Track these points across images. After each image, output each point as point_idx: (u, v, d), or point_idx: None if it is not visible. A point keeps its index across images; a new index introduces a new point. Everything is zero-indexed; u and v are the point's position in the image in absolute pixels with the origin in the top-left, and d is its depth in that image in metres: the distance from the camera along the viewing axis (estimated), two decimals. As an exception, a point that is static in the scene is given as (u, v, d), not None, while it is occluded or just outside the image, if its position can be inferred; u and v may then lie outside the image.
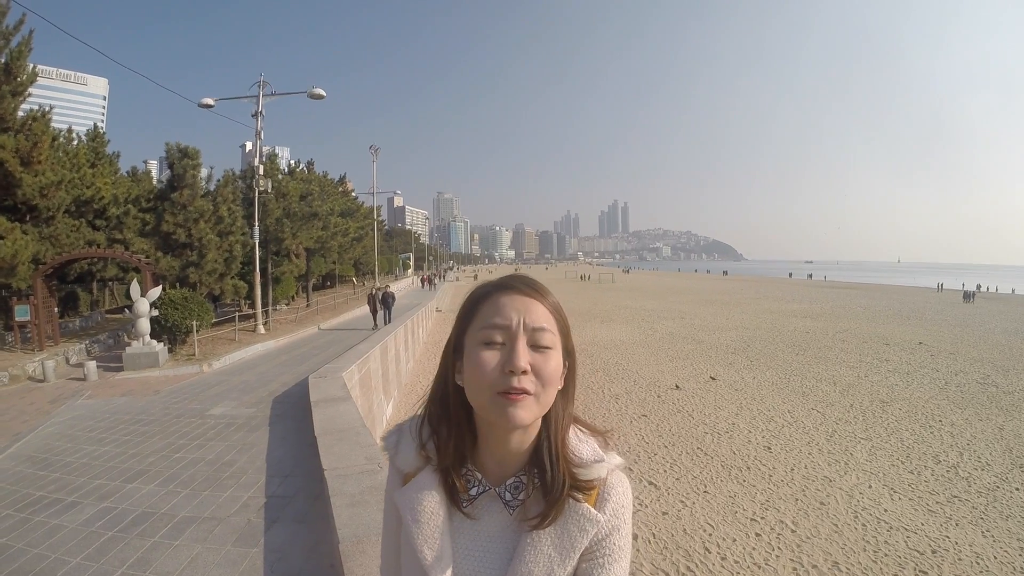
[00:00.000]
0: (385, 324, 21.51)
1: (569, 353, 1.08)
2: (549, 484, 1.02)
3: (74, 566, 4.46)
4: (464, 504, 1.06)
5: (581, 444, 1.09)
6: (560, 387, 1.06)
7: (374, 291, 24.28)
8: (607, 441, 1.13)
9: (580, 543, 1.01)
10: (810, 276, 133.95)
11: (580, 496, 1.03)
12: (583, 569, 1.03)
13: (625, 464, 1.11)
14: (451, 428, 1.07)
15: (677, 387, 18.40)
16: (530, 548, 1.01)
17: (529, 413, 0.97)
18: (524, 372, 0.96)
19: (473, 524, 1.06)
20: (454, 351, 1.08)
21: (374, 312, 23.28)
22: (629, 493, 1.09)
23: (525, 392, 0.96)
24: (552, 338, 1.01)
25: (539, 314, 1.01)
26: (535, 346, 0.99)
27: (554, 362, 1.01)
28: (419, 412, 1.16)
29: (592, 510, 1.02)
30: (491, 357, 0.98)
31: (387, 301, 23.37)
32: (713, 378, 19.72)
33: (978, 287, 68.79)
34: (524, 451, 1.06)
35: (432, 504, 1.05)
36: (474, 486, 1.07)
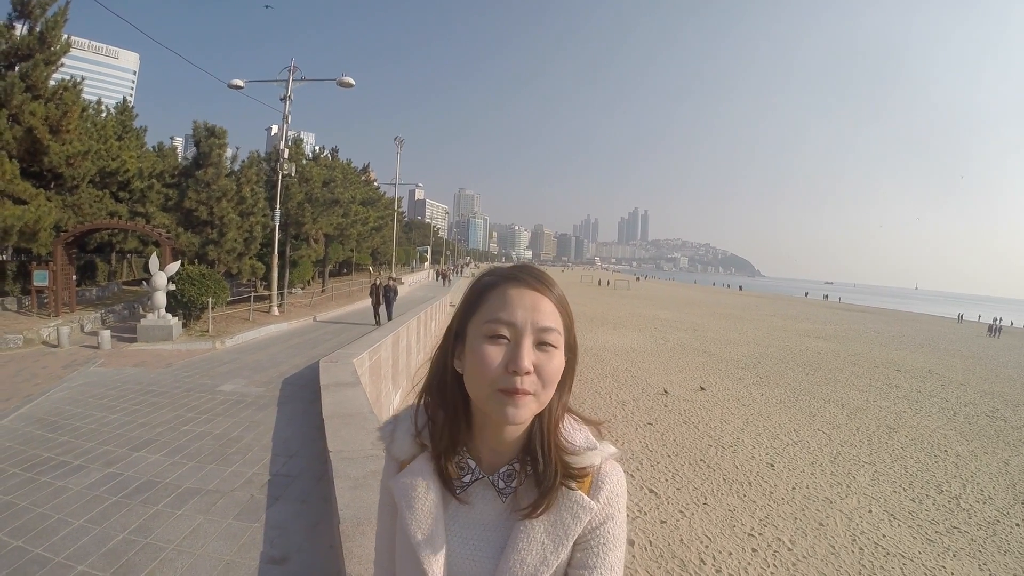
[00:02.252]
0: (387, 320, 19.41)
1: (571, 347, 1.07)
2: (542, 473, 1.03)
3: (77, 527, 4.52)
4: (458, 491, 1.07)
5: (574, 432, 1.09)
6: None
7: (377, 282, 21.62)
8: (600, 431, 1.13)
9: (573, 530, 1.01)
10: (826, 297, 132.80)
11: (573, 484, 1.03)
12: (578, 558, 1.03)
13: (619, 453, 1.10)
14: (447, 414, 1.08)
15: (665, 392, 18.73)
16: (523, 536, 1.01)
17: (528, 412, 0.97)
18: (527, 373, 0.96)
19: (467, 511, 1.07)
20: (455, 336, 1.08)
21: (376, 305, 20.93)
22: (623, 481, 1.09)
23: (526, 392, 0.96)
24: (557, 337, 1.00)
25: (547, 312, 1.00)
26: (540, 344, 0.98)
27: (557, 361, 1.00)
28: (415, 401, 1.17)
29: (585, 497, 1.02)
30: (495, 353, 0.97)
31: (388, 295, 20.96)
32: (703, 388, 19.89)
33: (996, 320, 67.18)
34: (518, 439, 1.06)
35: (426, 490, 1.06)
36: (467, 473, 1.07)
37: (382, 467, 1.20)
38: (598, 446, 1.08)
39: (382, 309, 20.96)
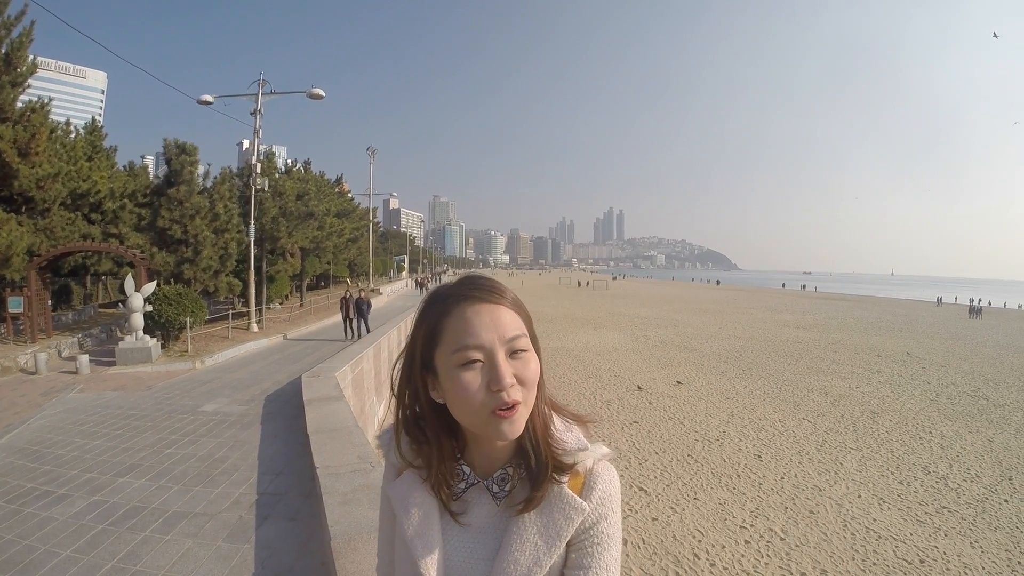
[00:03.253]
0: (361, 335, 18.78)
1: (533, 341, 1.07)
2: (534, 468, 1.04)
3: (64, 558, 4.45)
4: (453, 498, 1.08)
5: (566, 433, 1.10)
6: None
7: (347, 294, 20.64)
8: (590, 430, 1.15)
9: (566, 531, 1.01)
10: (803, 287, 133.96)
11: (565, 478, 1.04)
12: (573, 559, 1.04)
13: (611, 454, 1.11)
14: (433, 447, 1.08)
15: (639, 388, 19.02)
16: (516, 537, 1.02)
17: (522, 422, 0.99)
18: (512, 385, 0.96)
19: (462, 516, 1.08)
20: (423, 368, 1.06)
21: (346, 319, 20.28)
22: (616, 482, 1.09)
23: (516, 404, 0.96)
24: (526, 341, 1.01)
25: (509, 322, 1.00)
26: (512, 353, 0.99)
27: (533, 363, 1.01)
28: (393, 426, 1.16)
29: (577, 498, 1.03)
30: (474, 378, 0.97)
31: (362, 308, 19.84)
32: (679, 383, 20.08)
33: (975, 301, 67.37)
34: (511, 443, 1.06)
35: (422, 496, 1.08)
36: (462, 480, 1.08)
37: (370, 482, 1.21)
38: (590, 447, 1.09)
39: (356, 323, 20.03)
